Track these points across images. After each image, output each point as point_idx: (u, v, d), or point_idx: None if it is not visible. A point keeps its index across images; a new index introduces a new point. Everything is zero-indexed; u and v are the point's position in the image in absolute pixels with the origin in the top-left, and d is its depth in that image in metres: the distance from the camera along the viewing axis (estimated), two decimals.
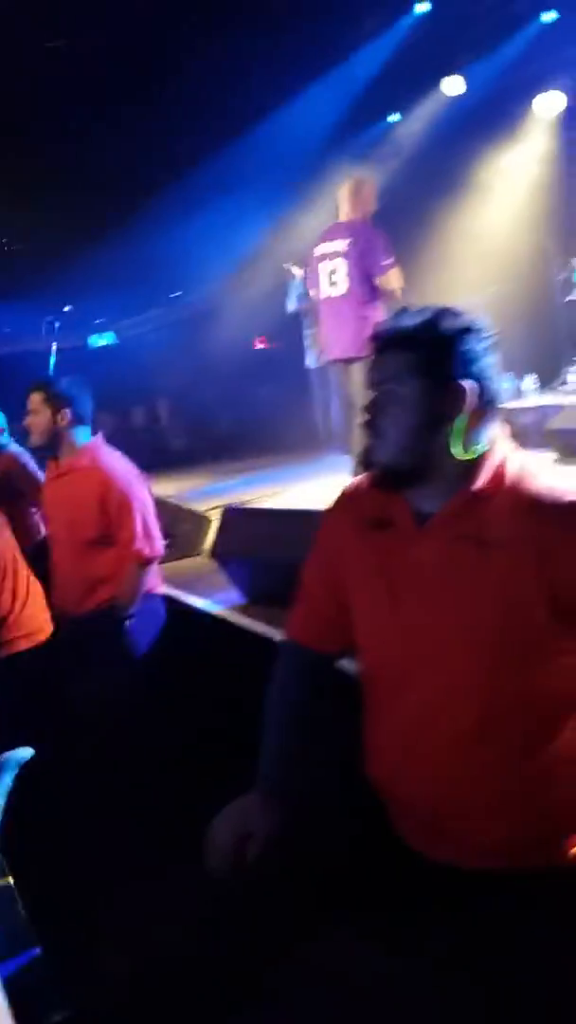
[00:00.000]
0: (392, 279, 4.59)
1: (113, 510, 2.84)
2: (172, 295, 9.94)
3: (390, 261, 4.60)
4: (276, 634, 2.61)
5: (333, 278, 4.69)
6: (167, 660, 2.92)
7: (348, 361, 4.62)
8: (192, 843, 1.47)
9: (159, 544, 2.95)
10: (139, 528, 2.85)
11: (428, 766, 1.40)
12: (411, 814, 1.44)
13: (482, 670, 1.34)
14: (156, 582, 3.04)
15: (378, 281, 4.58)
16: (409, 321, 1.40)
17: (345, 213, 4.76)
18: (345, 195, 4.76)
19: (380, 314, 4.49)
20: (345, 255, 4.62)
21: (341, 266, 4.63)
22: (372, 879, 1.42)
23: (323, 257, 4.76)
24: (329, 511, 1.62)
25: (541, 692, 1.34)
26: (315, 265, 4.82)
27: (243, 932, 1.40)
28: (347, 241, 4.64)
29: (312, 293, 5.05)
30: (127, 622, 2.87)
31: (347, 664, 1.63)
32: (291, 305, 6.95)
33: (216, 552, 3.29)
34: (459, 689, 1.36)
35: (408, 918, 1.37)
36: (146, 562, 2.89)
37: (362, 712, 1.52)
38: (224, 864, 1.43)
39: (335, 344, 4.65)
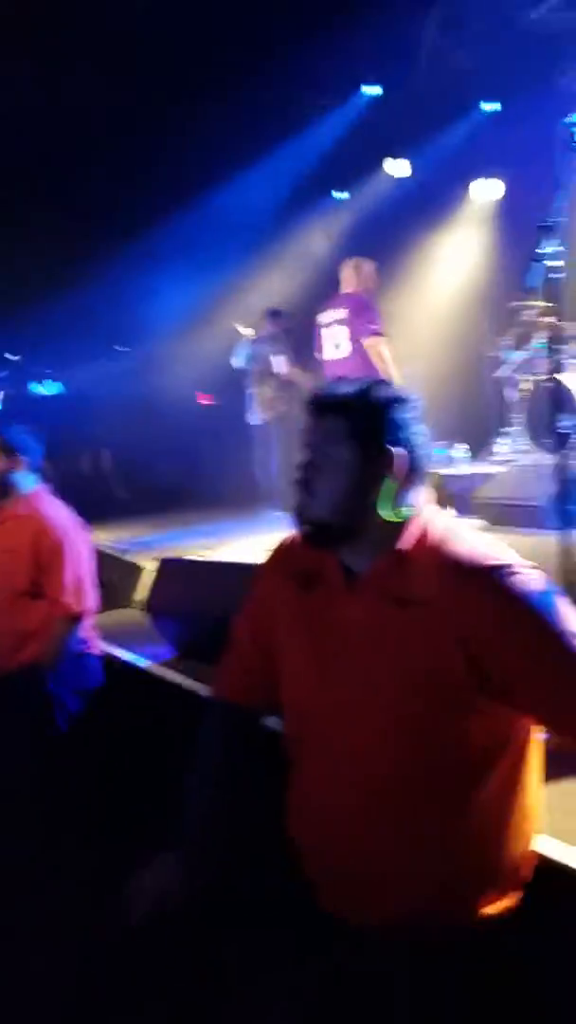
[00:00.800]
0: (376, 344, 5.12)
1: (44, 559, 2.77)
2: (119, 348, 10.03)
3: (376, 327, 5.17)
4: (205, 689, 2.60)
5: (338, 340, 5.25)
6: (92, 714, 2.86)
7: None
8: (114, 900, 1.48)
9: (91, 600, 2.86)
10: (69, 580, 2.76)
11: (342, 826, 1.41)
12: (325, 874, 1.45)
13: (398, 730, 1.37)
14: (91, 640, 2.94)
15: (363, 342, 5.14)
16: (345, 388, 1.47)
17: (347, 287, 5.35)
18: (348, 273, 5.39)
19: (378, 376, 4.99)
20: (346, 322, 5.20)
21: (343, 332, 5.22)
22: (288, 940, 1.43)
23: (326, 322, 5.33)
24: (262, 566, 1.65)
25: (456, 752, 1.37)
26: (319, 332, 5.38)
27: (160, 989, 1.41)
28: (347, 310, 5.24)
29: (316, 355, 5.54)
30: (52, 681, 2.76)
31: (274, 722, 1.65)
32: (237, 362, 7.13)
33: (150, 604, 3.28)
34: (375, 748, 1.39)
35: (320, 980, 1.37)
36: (74, 618, 2.80)
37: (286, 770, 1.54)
38: (143, 922, 1.44)
39: None
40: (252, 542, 5.02)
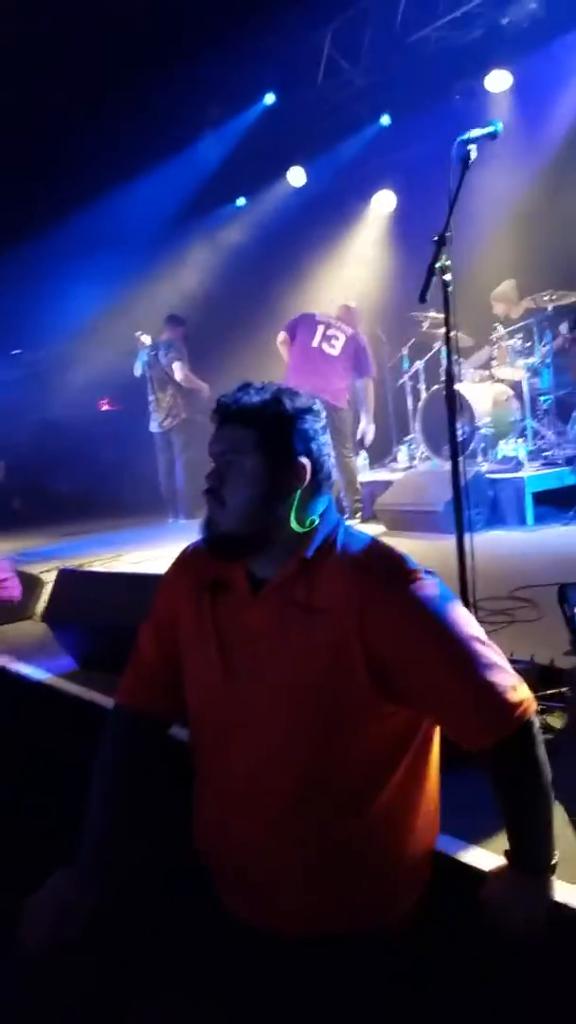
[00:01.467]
0: (369, 384, 6.00)
1: None
2: (13, 352, 9.77)
3: (372, 371, 6.01)
4: (106, 701, 2.56)
5: (332, 342, 5.74)
6: None
7: (335, 408, 5.62)
8: (12, 919, 1.43)
9: None
10: None
11: (249, 833, 1.41)
12: (233, 883, 1.45)
13: (303, 733, 1.38)
14: None
15: (361, 380, 5.91)
16: (252, 398, 1.43)
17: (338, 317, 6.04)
18: (343, 312, 6.07)
19: (349, 385, 5.88)
20: (346, 334, 5.81)
21: (341, 338, 5.74)
22: (196, 951, 1.41)
23: (326, 322, 5.81)
24: (167, 573, 1.62)
25: (360, 755, 1.39)
26: (312, 320, 5.83)
27: (64, 1010, 1.37)
28: (352, 329, 5.88)
29: (284, 335, 5.90)
30: None
31: (179, 731, 1.64)
32: (138, 370, 7.06)
33: (48, 615, 3.21)
34: (280, 753, 1.39)
35: (232, 991, 1.36)
36: None
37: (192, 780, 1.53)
38: (43, 941, 1.40)
39: (319, 387, 5.34)
40: (155, 551, 4.98)
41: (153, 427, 7.08)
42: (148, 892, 1.50)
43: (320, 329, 5.80)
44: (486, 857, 1.52)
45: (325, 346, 5.74)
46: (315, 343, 5.75)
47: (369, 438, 6.21)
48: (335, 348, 5.75)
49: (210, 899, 1.46)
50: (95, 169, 7.55)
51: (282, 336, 5.92)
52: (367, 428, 6.13)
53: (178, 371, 6.82)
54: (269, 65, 7.39)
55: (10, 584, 2.83)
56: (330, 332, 5.80)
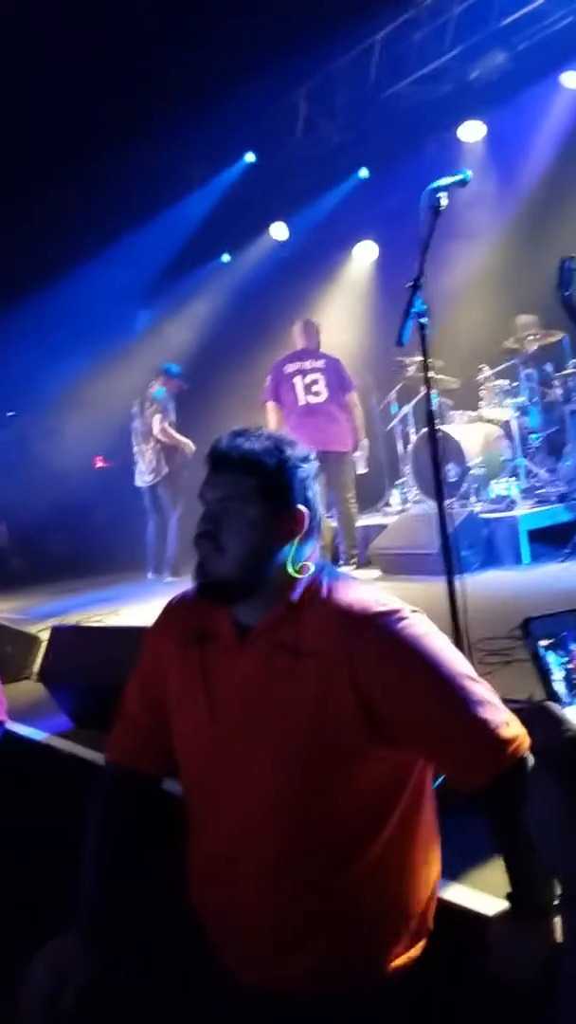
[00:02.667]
0: (355, 396, 5.96)
1: None
2: (7, 414, 9.88)
3: (353, 383, 6.00)
4: (102, 759, 2.53)
5: (314, 388, 5.74)
6: None
7: (341, 455, 5.68)
8: (8, 991, 1.41)
9: None
10: None
11: (242, 886, 1.38)
12: (230, 939, 1.41)
13: (295, 780, 1.36)
14: None
15: (348, 395, 5.88)
16: (253, 444, 1.43)
17: (301, 344, 5.96)
18: (299, 331, 6.01)
19: (349, 420, 5.85)
20: (323, 371, 5.74)
21: (321, 379, 5.73)
22: (196, 1018, 1.38)
23: (298, 372, 5.78)
24: (153, 626, 1.62)
25: (354, 800, 1.37)
26: (288, 379, 5.79)
27: None
28: (321, 361, 5.85)
29: (272, 403, 5.87)
30: None
31: (171, 784, 1.61)
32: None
33: (42, 674, 3.19)
34: (272, 801, 1.37)
35: None
36: None
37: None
38: (39, 1012, 1.37)
39: (322, 440, 5.43)
40: (152, 606, 4.96)
41: (138, 480, 7.01)
42: (145, 957, 1.48)
43: (297, 381, 5.78)
44: (487, 901, 1.49)
45: (311, 398, 5.75)
46: (301, 401, 5.75)
47: (362, 451, 6.07)
48: (320, 393, 5.75)
49: (208, 960, 1.42)
50: (82, 232, 7.71)
51: (271, 405, 5.87)
52: (360, 443, 6.02)
53: (155, 425, 6.75)
54: (248, 125, 7.59)
55: None
56: (308, 378, 5.79)
